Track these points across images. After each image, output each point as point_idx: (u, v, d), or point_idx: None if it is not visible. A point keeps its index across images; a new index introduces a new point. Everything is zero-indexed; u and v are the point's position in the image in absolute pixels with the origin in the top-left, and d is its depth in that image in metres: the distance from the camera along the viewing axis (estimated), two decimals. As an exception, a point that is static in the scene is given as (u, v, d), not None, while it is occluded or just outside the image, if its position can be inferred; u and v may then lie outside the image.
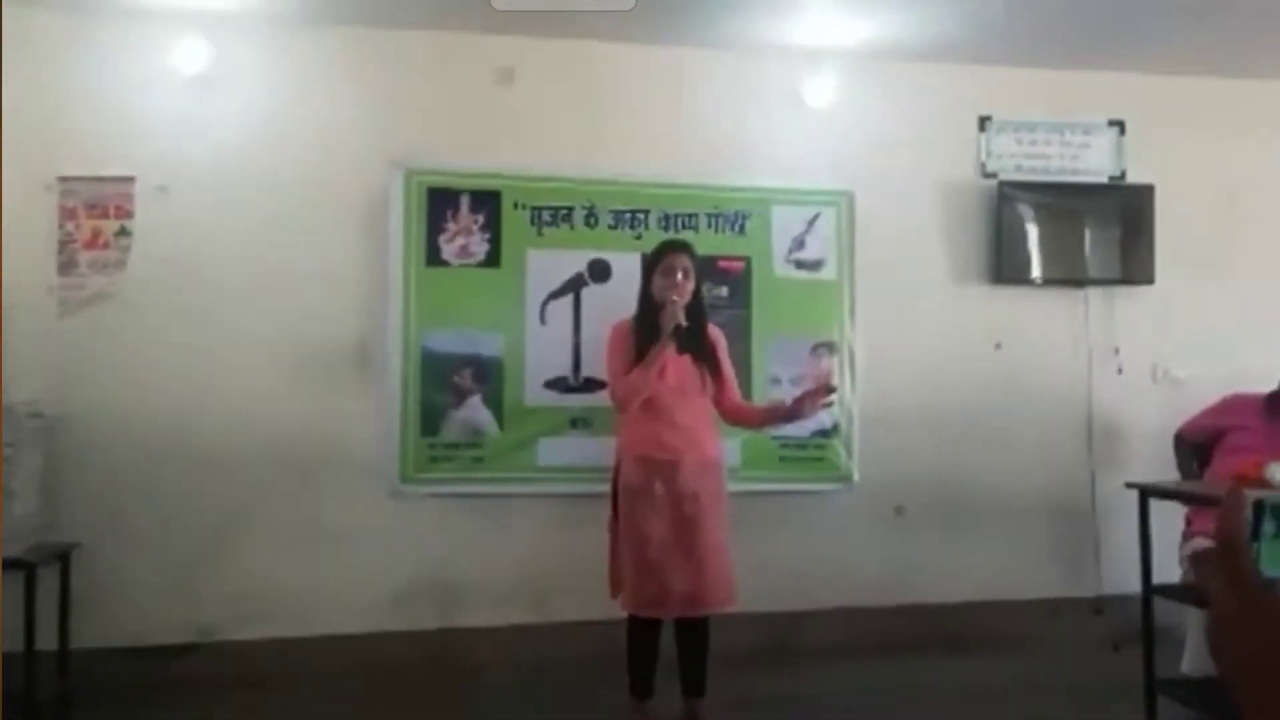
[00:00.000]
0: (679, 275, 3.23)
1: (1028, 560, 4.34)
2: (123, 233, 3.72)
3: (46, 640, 3.37)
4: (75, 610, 3.56)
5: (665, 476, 3.16)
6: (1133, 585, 3.62)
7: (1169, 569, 3.50)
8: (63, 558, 3.51)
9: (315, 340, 3.84)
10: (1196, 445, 3.81)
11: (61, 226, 3.68)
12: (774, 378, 4.05)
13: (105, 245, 3.70)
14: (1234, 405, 3.80)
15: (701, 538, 3.15)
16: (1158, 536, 3.36)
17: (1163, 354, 4.46)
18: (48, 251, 3.68)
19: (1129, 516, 3.58)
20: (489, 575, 3.91)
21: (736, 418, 3.43)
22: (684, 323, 3.17)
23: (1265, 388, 3.66)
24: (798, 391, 3.73)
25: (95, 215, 3.70)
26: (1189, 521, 3.68)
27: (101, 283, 3.69)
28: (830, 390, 3.47)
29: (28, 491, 3.36)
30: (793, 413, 3.32)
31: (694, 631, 3.26)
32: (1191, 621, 3.47)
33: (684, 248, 3.35)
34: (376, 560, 3.85)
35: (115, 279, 3.71)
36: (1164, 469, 3.96)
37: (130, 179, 3.72)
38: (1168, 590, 3.36)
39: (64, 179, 3.69)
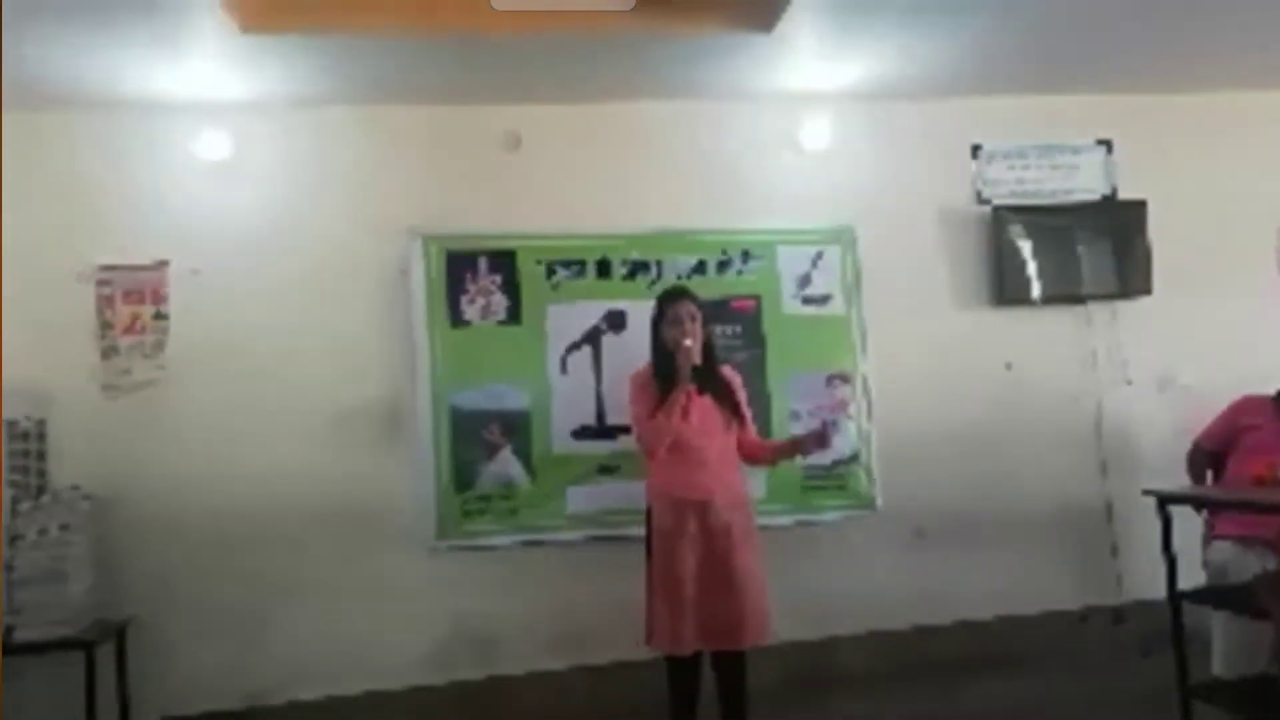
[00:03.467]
0: (686, 321, 3.35)
1: (1048, 573, 4.41)
2: (159, 316, 3.88)
3: (107, 715, 3.46)
4: (132, 683, 3.66)
5: (698, 515, 3.24)
6: (1153, 592, 3.66)
7: (1190, 573, 3.55)
8: (119, 633, 3.62)
9: (349, 407, 3.97)
10: (1215, 454, 3.85)
11: (100, 314, 3.85)
12: (793, 411, 4.17)
13: (143, 330, 3.86)
14: (1245, 406, 3.82)
15: (737, 569, 3.21)
16: (1177, 542, 3.41)
17: (1169, 362, 4.54)
18: (89, 339, 3.84)
19: (1146, 524, 3.63)
20: (528, 623, 3.99)
21: (751, 453, 3.52)
22: (698, 361, 3.29)
23: (1275, 387, 3.73)
24: (814, 423, 3.87)
25: (132, 301, 3.87)
26: (1210, 525, 3.74)
27: (143, 366, 3.85)
28: (823, 438, 3.40)
29: (82, 572, 3.48)
30: (796, 450, 3.54)
31: (732, 666, 3.31)
32: (1219, 624, 3.53)
33: (683, 294, 3.46)
34: (417, 617, 3.95)
35: (155, 361, 3.86)
36: (1180, 474, 4.01)
37: (164, 264, 3.90)
38: (1193, 595, 3.41)
39: (100, 268, 3.86)
